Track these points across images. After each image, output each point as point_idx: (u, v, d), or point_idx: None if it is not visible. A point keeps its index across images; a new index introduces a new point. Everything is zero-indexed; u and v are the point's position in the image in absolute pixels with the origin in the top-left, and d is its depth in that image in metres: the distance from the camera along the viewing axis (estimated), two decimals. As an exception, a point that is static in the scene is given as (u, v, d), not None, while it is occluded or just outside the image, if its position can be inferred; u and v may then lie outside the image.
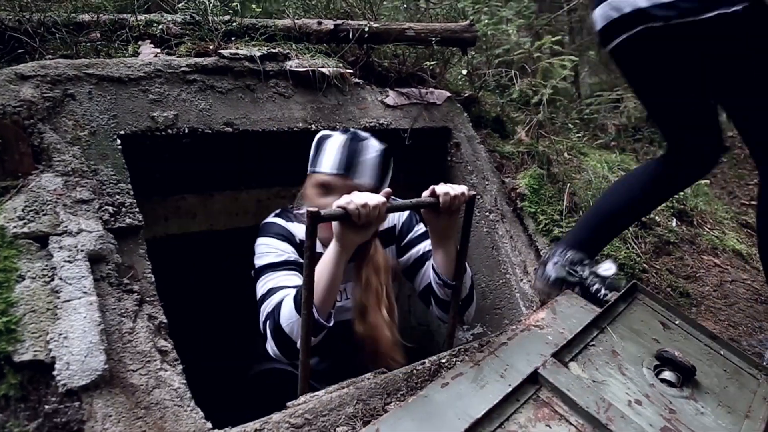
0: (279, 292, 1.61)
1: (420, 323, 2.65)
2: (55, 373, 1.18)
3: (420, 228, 1.95)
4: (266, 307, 1.61)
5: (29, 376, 1.18)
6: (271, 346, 1.58)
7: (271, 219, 1.80)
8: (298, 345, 1.46)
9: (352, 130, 1.77)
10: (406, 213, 1.96)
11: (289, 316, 1.52)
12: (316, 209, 1.32)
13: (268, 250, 1.71)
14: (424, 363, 1.54)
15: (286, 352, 1.56)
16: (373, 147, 1.71)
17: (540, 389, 1.52)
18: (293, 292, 1.55)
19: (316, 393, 1.40)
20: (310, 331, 1.40)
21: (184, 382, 1.33)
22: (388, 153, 1.75)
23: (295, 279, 1.64)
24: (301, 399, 1.37)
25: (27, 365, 1.18)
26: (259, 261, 1.71)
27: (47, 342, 1.20)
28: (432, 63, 2.69)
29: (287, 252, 1.70)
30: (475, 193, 1.55)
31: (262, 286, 1.66)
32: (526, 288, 2.21)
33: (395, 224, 1.96)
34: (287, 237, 1.73)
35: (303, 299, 1.36)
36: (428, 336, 2.66)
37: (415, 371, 1.49)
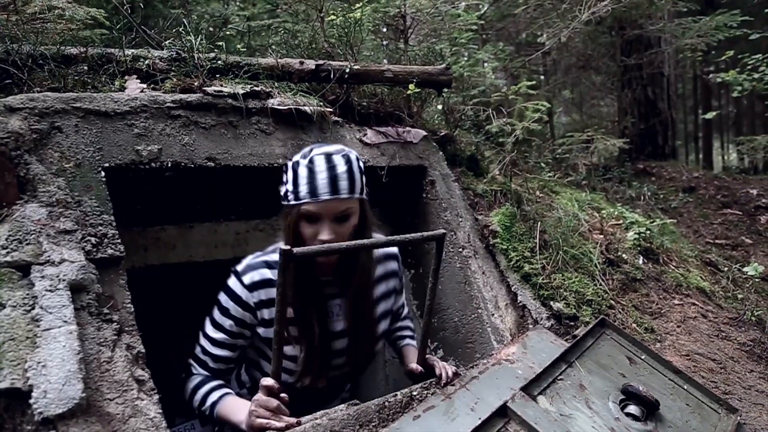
0: (207, 383, 1.70)
1: (393, 356, 2.68)
2: (31, 401, 1.19)
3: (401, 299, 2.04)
4: (194, 368, 1.72)
5: (5, 404, 1.19)
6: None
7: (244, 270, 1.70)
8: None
9: (317, 150, 1.60)
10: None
11: (192, 401, 1.68)
12: (288, 247, 1.29)
13: (221, 309, 1.69)
14: (396, 395, 1.57)
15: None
16: (342, 158, 1.59)
17: (509, 422, 1.56)
18: (205, 391, 1.66)
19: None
20: (280, 366, 1.42)
21: (160, 411, 1.35)
22: (357, 159, 1.65)
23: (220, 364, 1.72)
24: (276, 429, 1.40)
25: (4, 393, 1.19)
26: (213, 312, 1.71)
27: (25, 370, 1.22)
28: (409, 103, 2.79)
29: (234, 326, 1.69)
30: (444, 232, 1.61)
31: (203, 336, 1.71)
32: (497, 322, 2.27)
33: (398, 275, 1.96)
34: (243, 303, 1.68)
35: (274, 333, 1.37)
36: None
37: (387, 403, 1.53)
